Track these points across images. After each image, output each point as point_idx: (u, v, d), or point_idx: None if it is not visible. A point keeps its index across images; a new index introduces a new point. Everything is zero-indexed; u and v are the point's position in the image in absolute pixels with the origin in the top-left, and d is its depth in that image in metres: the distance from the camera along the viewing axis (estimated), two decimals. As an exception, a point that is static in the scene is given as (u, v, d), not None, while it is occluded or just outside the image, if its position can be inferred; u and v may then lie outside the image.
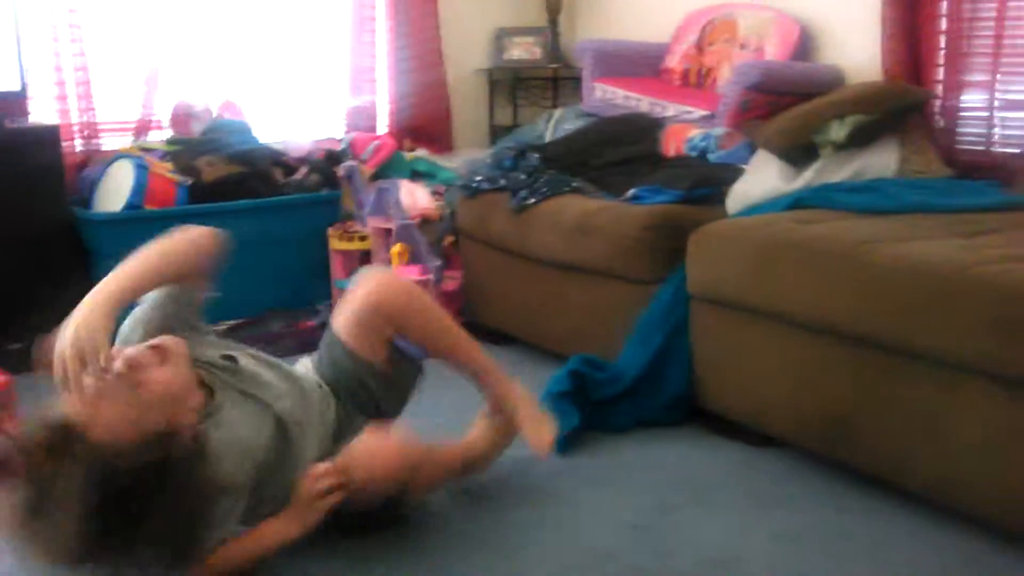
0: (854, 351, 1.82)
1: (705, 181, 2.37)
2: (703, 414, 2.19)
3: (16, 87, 2.74)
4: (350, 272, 2.96)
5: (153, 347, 1.53)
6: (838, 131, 2.28)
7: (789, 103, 2.58)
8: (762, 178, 2.33)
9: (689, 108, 3.01)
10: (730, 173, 2.42)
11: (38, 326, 2.60)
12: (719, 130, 2.74)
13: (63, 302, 2.65)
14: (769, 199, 2.25)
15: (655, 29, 3.46)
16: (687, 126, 2.86)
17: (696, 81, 3.24)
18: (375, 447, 1.60)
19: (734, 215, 2.25)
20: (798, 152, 2.33)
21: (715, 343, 2.13)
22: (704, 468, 2.02)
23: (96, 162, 2.99)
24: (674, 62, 3.32)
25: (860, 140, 2.29)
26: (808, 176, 2.29)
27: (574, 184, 2.59)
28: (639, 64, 3.38)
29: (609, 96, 3.22)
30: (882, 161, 2.31)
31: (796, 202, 2.19)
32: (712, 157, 2.62)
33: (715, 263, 2.08)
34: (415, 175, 3.23)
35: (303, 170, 3.15)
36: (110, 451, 1.37)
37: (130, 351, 1.52)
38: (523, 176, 2.67)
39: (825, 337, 1.87)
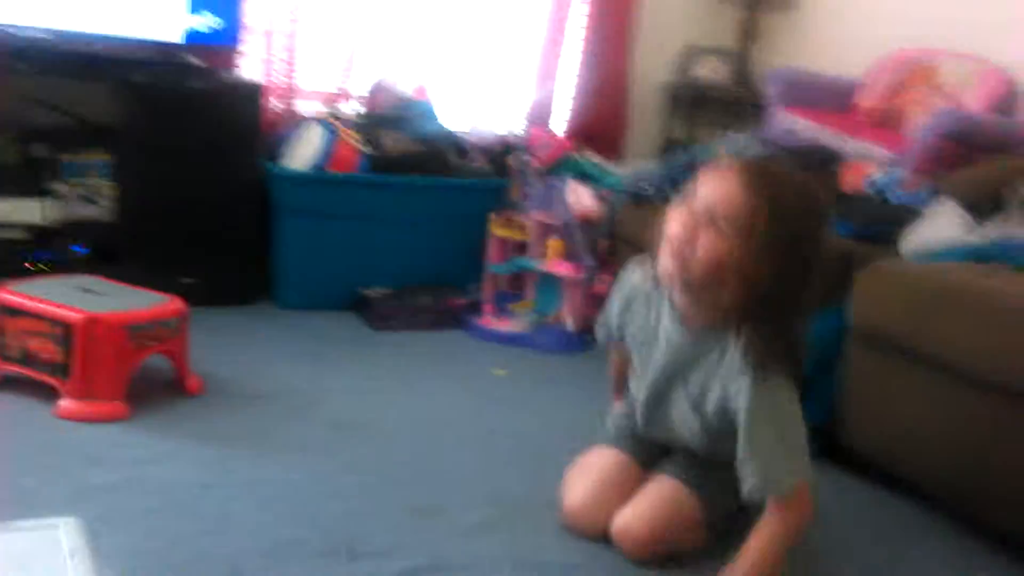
0: (1015, 411, 1.74)
1: (881, 219, 2.30)
2: (838, 449, 2.13)
3: (233, 43, 2.95)
4: (505, 259, 3.03)
5: None
6: (1032, 190, 2.18)
7: (981, 156, 2.48)
8: (943, 225, 2.25)
9: (874, 147, 2.93)
10: (909, 215, 2.34)
11: (216, 266, 2.84)
12: (902, 171, 2.65)
13: (242, 248, 2.89)
14: (948, 247, 2.17)
15: (849, 65, 3.38)
16: (868, 164, 2.79)
17: (886, 122, 3.14)
18: None
19: (908, 258, 2.19)
20: (985, 205, 2.24)
21: (867, 381, 2.07)
22: (833, 503, 1.97)
23: (289, 123, 3.18)
24: (865, 100, 3.23)
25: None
26: (991, 230, 2.20)
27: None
28: (828, 98, 3.31)
29: (792, 125, 3.17)
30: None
31: (975, 253, 2.11)
32: (891, 198, 2.54)
33: (883, 303, 2.03)
34: (583, 176, 3.27)
35: (478, 157, 3.25)
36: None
37: None
38: (692, 190, 2.66)
39: (986, 391, 1.79)
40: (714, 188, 1.51)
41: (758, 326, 1.53)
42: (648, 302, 1.73)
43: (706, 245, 1.49)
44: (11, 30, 2.64)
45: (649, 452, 1.82)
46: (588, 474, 1.80)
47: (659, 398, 1.74)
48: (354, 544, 1.62)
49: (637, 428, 1.84)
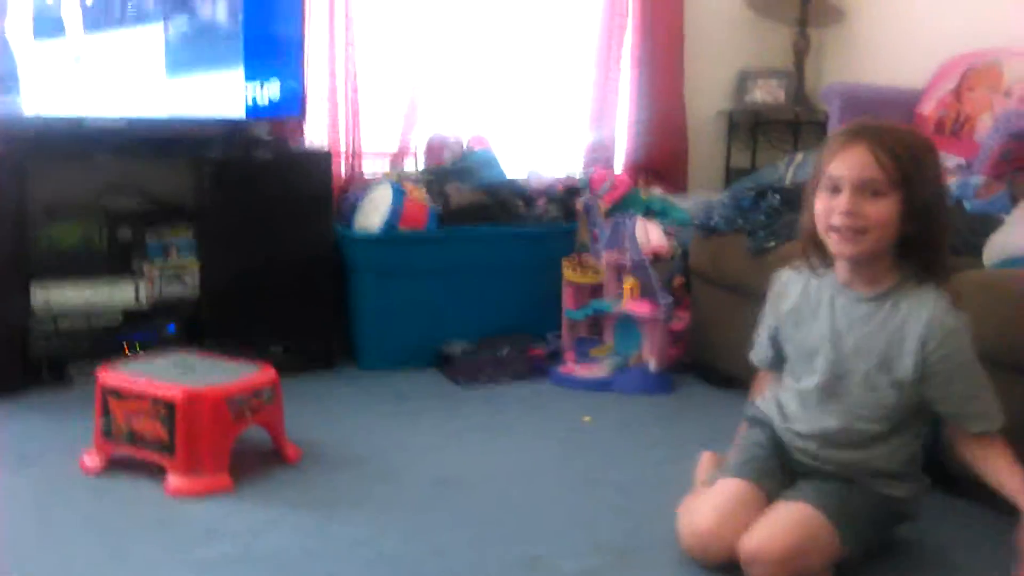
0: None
1: (963, 230, 2.27)
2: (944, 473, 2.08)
3: (297, 113, 3.04)
4: (581, 304, 3.04)
5: None
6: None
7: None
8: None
9: (943, 156, 2.89)
10: (988, 223, 2.30)
11: (299, 332, 2.91)
12: (977, 179, 2.61)
13: (322, 313, 2.96)
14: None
15: (909, 74, 3.34)
16: (941, 175, 2.75)
17: (952, 129, 3.10)
18: None
19: (991, 265, 2.15)
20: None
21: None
22: (947, 532, 1.93)
23: (357, 185, 3.26)
24: (929, 108, 3.19)
25: None
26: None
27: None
28: (890, 109, 3.27)
29: (856, 141, 3.14)
30: None
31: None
32: (968, 206, 2.50)
33: (975, 317, 1.98)
34: (649, 213, 3.28)
35: (543, 202, 3.28)
36: None
37: None
38: (762, 217, 2.65)
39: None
40: (851, 162, 1.66)
41: (930, 263, 1.71)
42: (806, 297, 1.83)
43: (875, 210, 1.65)
44: (89, 121, 2.77)
45: (776, 480, 1.80)
46: (717, 497, 1.77)
47: (835, 382, 1.76)
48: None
49: (782, 438, 1.84)
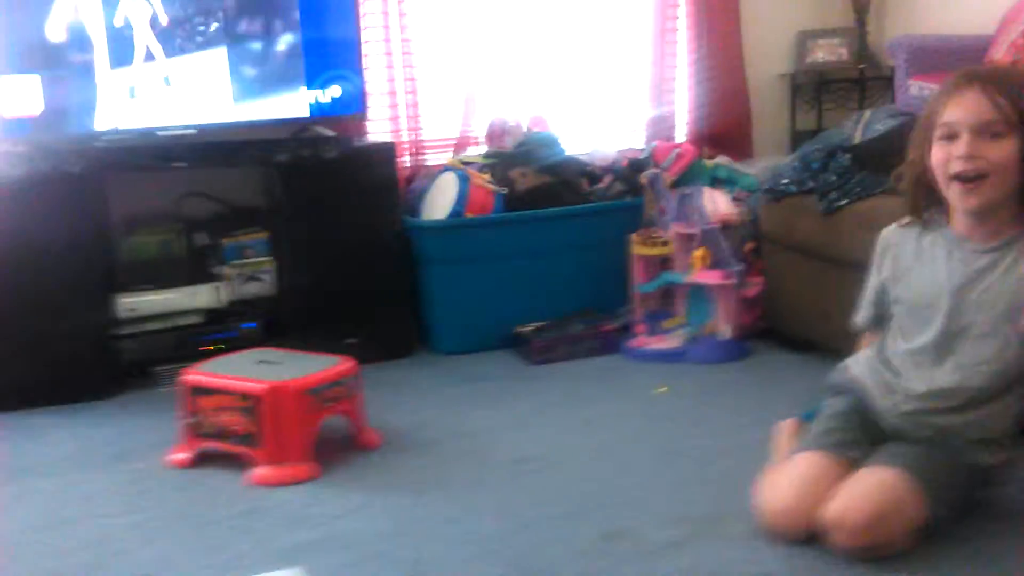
0: None
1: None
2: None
3: (359, 109, 3.09)
4: (651, 277, 3.03)
5: None
6: None
7: None
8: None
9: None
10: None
11: (375, 321, 2.96)
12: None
13: (396, 302, 3.00)
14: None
15: (976, 20, 3.23)
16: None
17: (1027, 73, 2.98)
18: None
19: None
20: None
21: None
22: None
23: (422, 175, 3.29)
24: (1000, 54, 3.07)
25: None
26: None
27: (889, 184, 2.48)
28: (959, 59, 3.16)
29: (926, 93, 3.05)
30: None
31: None
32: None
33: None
34: (715, 181, 3.24)
35: (607, 178, 3.28)
36: None
37: None
38: (833, 177, 2.61)
39: None
40: (967, 106, 1.63)
41: None
42: (918, 252, 1.78)
43: (996, 152, 1.62)
44: (160, 132, 2.86)
45: (859, 449, 1.76)
46: (792, 472, 1.74)
47: (952, 338, 1.72)
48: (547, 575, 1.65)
49: (879, 404, 1.80)
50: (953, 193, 1.67)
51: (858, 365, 1.88)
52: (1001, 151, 1.62)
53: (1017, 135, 1.61)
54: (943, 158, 1.67)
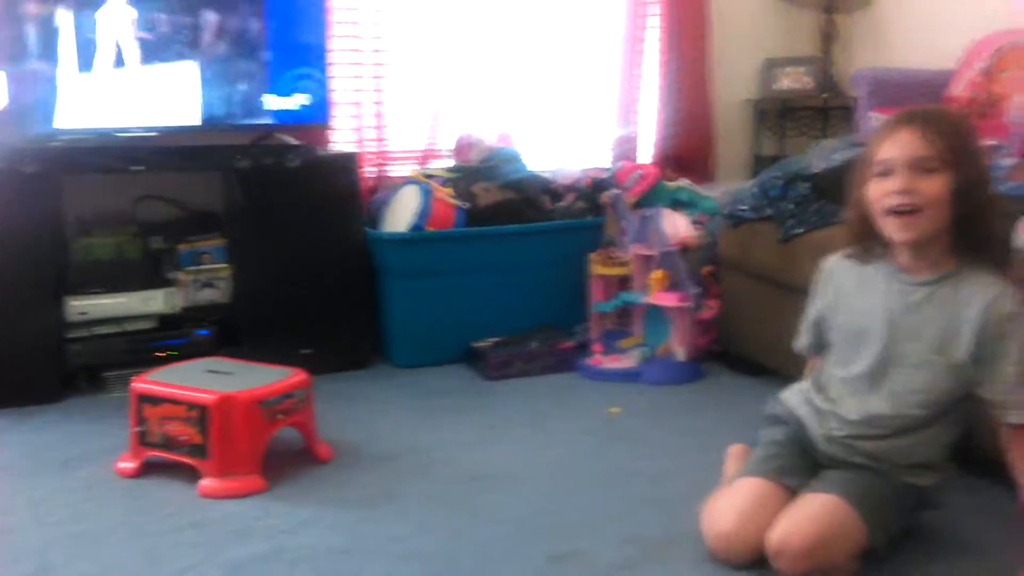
0: None
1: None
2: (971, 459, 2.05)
3: (323, 119, 3.07)
4: (609, 296, 3.04)
5: None
6: None
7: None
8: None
9: (974, 137, 2.84)
10: (1019, 206, 2.26)
11: (331, 333, 2.93)
12: (1008, 161, 2.57)
13: (353, 314, 2.98)
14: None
15: (938, 56, 3.29)
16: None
17: (983, 110, 3.04)
18: None
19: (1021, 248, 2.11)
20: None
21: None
22: (973, 517, 1.91)
23: (385, 187, 3.28)
24: (959, 90, 3.14)
25: None
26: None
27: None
28: (919, 92, 3.22)
29: (885, 125, 3.10)
30: None
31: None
32: (1001, 189, 2.45)
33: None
34: (676, 204, 3.26)
35: (570, 197, 3.28)
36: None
37: None
38: (791, 205, 2.63)
39: None
40: (902, 143, 1.68)
41: (985, 247, 1.72)
42: (858, 282, 1.82)
43: (928, 187, 1.66)
44: (119, 133, 2.81)
45: (799, 476, 1.79)
46: (737, 496, 1.77)
47: (886, 367, 1.76)
48: (496, 596, 1.64)
49: (813, 431, 1.82)
50: (890, 227, 1.71)
51: (793, 396, 1.92)
52: (934, 186, 1.66)
53: (950, 171, 1.66)
54: (879, 194, 1.71)
